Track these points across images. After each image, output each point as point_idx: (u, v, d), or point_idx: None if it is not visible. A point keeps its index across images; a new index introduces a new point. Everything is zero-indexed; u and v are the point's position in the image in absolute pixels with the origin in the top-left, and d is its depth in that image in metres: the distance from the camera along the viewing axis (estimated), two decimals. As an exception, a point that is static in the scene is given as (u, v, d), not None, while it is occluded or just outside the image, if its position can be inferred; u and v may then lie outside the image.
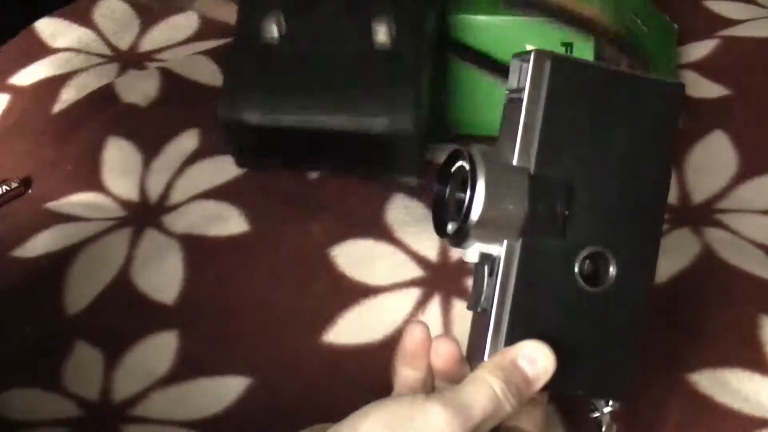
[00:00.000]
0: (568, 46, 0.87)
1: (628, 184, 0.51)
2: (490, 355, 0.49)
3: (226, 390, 0.71)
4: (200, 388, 0.71)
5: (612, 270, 0.50)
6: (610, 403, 0.52)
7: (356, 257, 0.76)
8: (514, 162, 0.48)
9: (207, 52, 0.99)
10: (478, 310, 0.50)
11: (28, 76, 1.00)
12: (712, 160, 0.85)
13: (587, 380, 0.50)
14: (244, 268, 0.77)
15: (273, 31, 0.81)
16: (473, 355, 0.50)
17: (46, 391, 0.72)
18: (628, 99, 0.51)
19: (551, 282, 0.49)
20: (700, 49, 0.95)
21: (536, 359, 0.48)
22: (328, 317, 0.74)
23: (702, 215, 0.80)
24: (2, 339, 0.75)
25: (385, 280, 0.75)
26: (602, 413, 0.52)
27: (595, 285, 0.50)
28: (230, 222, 0.80)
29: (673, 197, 0.82)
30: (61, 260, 0.80)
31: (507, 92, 0.50)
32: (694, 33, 0.96)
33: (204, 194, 0.85)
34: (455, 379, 0.50)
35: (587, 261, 0.50)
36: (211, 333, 0.75)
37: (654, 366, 0.69)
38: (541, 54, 0.49)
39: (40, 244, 0.82)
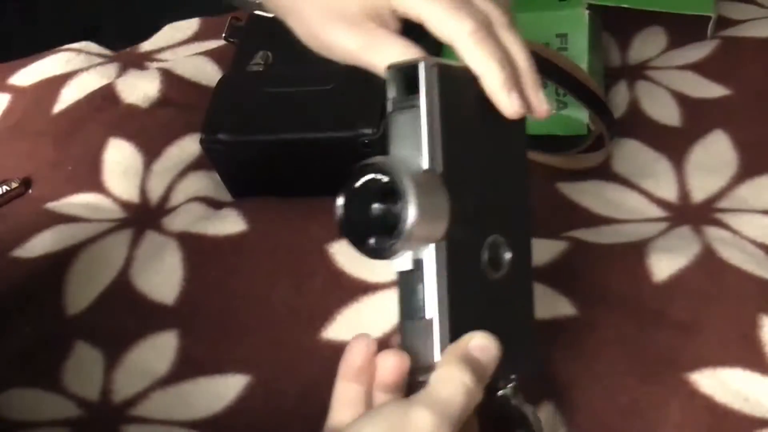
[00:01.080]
0: (563, 36, 0.88)
1: (502, 174, 0.55)
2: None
3: (225, 389, 0.71)
4: (200, 388, 0.72)
5: (507, 254, 0.54)
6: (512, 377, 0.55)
7: (355, 254, 0.76)
8: (425, 166, 0.50)
9: (207, 53, 0.99)
10: (420, 317, 0.50)
11: (28, 76, 1.00)
12: (712, 159, 0.85)
13: (513, 361, 0.53)
14: (243, 266, 0.77)
15: (260, 63, 0.85)
16: (418, 361, 0.51)
17: (46, 391, 0.72)
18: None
19: (470, 275, 0.52)
20: (700, 49, 0.95)
21: (486, 347, 0.50)
22: (326, 314, 0.74)
23: (702, 214, 0.80)
24: (2, 339, 0.75)
25: (384, 277, 0.75)
26: (508, 388, 0.54)
27: (497, 271, 0.54)
28: (228, 221, 0.80)
29: (673, 196, 0.82)
30: (61, 260, 0.80)
31: (389, 103, 0.51)
32: (694, 33, 0.97)
33: (204, 196, 0.85)
34: (396, 389, 0.51)
35: (487, 250, 0.53)
36: (210, 332, 0.75)
37: (654, 366, 0.69)
38: (428, 61, 0.50)
39: (40, 244, 0.82)
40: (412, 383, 0.51)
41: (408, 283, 0.51)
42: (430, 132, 0.50)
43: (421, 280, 0.50)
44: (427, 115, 0.50)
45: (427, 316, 0.50)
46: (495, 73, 0.53)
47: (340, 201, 0.50)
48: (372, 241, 0.50)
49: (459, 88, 0.52)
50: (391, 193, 0.49)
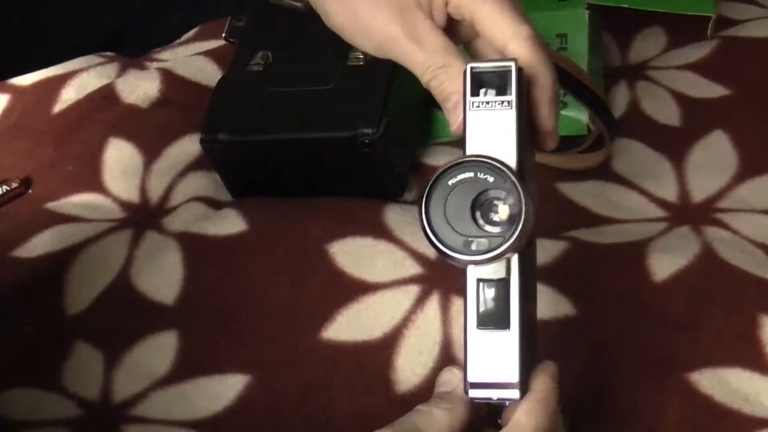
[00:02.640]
0: (563, 36, 0.88)
1: (533, 175, 0.54)
2: (522, 374, 0.49)
3: (225, 389, 0.71)
4: (200, 388, 0.72)
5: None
6: None
7: (355, 254, 0.76)
8: (514, 168, 0.48)
9: (207, 53, 0.99)
10: (501, 328, 0.48)
11: (28, 76, 1.00)
12: (712, 159, 0.85)
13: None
14: (242, 266, 0.77)
15: (260, 63, 0.85)
16: (492, 374, 0.49)
17: (46, 391, 0.72)
18: None
19: (529, 284, 0.52)
20: (700, 49, 0.95)
21: (556, 373, 0.51)
22: (326, 314, 0.74)
23: (702, 214, 0.80)
24: (2, 339, 0.75)
25: (384, 277, 0.75)
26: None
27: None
28: (228, 221, 0.80)
29: (673, 196, 0.82)
30: (61, 260, 0.80)
31: (468, 102, 0.50)
32: (694, 33, 0.97)
33: (204, 196, 0.85)
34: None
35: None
36: (210, 332, 0.75)
37: (654, 366, 0.69)
38: (517, 64, 0.50)
39: (40, 244, 0.82)
40: (473, 396, 0.50)
41: (491, 292, 0.49)
42: (520, 133, 0.49)
43: (508, 289, 0.48)
44: (518, 117, 0.49)
45: (511, 327, 0.48)
46: (550, 81, 0.53)
47: (425, 199, 0.48)
48: (474, 245, 0.47)
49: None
50: (492, 194, 0.47)
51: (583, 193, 0.84)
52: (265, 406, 0.70)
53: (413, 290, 0.74)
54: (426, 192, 0.47)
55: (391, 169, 0.82)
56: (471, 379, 0.49)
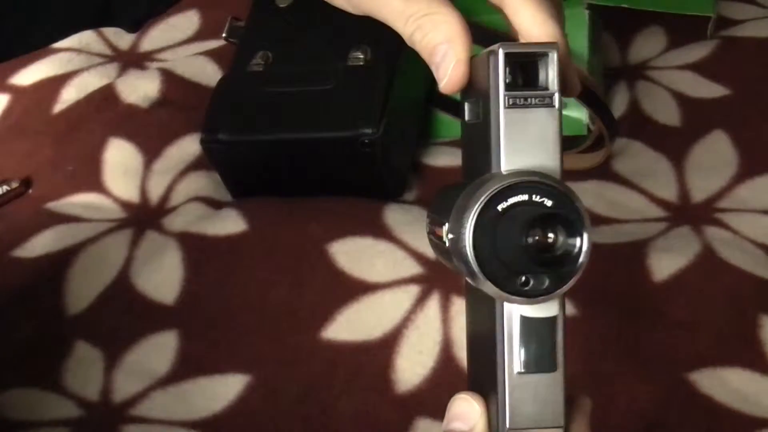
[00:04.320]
0: None
1: None
2: (566, 414, 0.43)
3: (225, 389, 0.71)
4: (200, 388, 0.72)
5: None
6: None
7: (355, 254, 0.76)
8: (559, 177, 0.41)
9: (207, 53, 0.99)
10: (546, 370, 0.42)
11: (28, 76, 1.00)
12: (712, 159, 0.85)
13: None
14: (242, 266, 0.77)
15: (260, 63, 0.85)
16: (534, 419, 0.42)
17: (46, 391, 0.72)
18: None
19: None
20: (700, 49, 0.95)
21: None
22: (326, 314, 0.74)
23: (702, 214, 0.80)
24: (2, 339, 0.75)
25: (384, 277, 0.75)
26: None
27: None
28: (228, 221, 0.80)
29: (673, 196, 0.82)
30: (61, 260, 0.80)
31: (497, 93, 0.41)
32: (694, 33, 0.97)
33: (204, 196, 0.85)
34: None
35: None
36: (210, 332, 0.75)
37: (654, 366, 0.69)
38: (557, 49, 0.41)
39: (40, 244, 0.82)
40: None
41: (539, 332, 0.41)
42: (560, 136, 0.41)
43: (556, 327, 0.41)
44: (559, 116, 0.41)
45: (558, 369, 0.42)
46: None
47: (471, 226, 0.39)
48: (524, 279, 0.40)
49: None
50: (548, 220, 0.39)
51: (583, 193, 0.83)
52: (265, 406, 0.70)
53: (413, 290, 0.74)
54: (474, 219, 0.39)
55: (391, 169, 0.82)
56: (511, 425, 0.42)
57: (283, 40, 0.87)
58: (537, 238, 0.39)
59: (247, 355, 0.73)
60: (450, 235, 0.41)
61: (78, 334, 0.76)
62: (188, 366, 0.73)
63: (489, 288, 0.40)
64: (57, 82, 0.98)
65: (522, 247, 0.39)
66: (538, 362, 0.41)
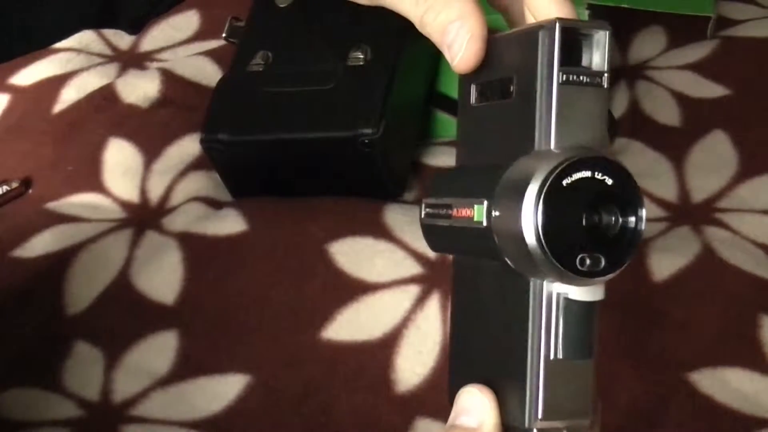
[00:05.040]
0: None
1: None
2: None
3: (225, 389, 0.71)
4: (200, 388, 0.72)
5: None
6: None
7: (355, 254, 0.76)
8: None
9: (207, 53, 0.99)
10: (583, 357, 0.40)
11: (28, 76, 1.00)
12: (712, 159, 0.85)
13: None
14: (242, 266, 0.77)
15: (260, 63, 0.85)
16: (572, 409, 0.40)
17: (46, 391, 0.72)
18: None
19: None
20: (700, 49, 0.95)
21: None
22: (326, 314, 0.74)
23: (702, 214, 0.80)
24: (2, 339, 0.75)
25: (384, 277, 0.75)
26: None
27: None
28: (228, 221, 0.80)
29: (673, 196, 0.82)
30: (61, 260, 0.80)
31: (548, 69, 0.39)
32: (694, 33, 0.97)
33: (204, 196, 0.85)
34: None
35: None
36: (210, 332, 0.75)
37: (654, 366, 0.69)
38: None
39: (40, 244, 0.82)
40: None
41: (580, 316, 0.39)
42: (606, 118, 0.40)
43: (596, 313, 0.40)
44: (607, 97, 0.40)
45: (593, 356, 0.40)
46: None
47: (538, 202, 0.38)
48: (582, 257, 0.38)
49: None
50: (611, 198, 0.38)
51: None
52: (265, 406, 0.70)
53: (413, 290, 0.74)
54: (537, 193, 0.38)
55: (391, 169, 0.82)
56: (544, 416, 0.40)
57: (283, 40, 0.87)
58: (598, 216, 0.38)
59: (247, 355, 0.73)
60: (496, 213, 0.39)
61: (78, 334, 0.76)
62: (188, 366, 0.73)
63: (546, 266, 0.38)
64: (57, 82, 0.98)
65: (583, 225, 0.38)
66: (576, 348, 0.39)
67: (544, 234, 0.38)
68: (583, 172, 0.38)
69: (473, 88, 0.44)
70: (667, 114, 0.89)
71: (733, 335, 0.70)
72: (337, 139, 0.79)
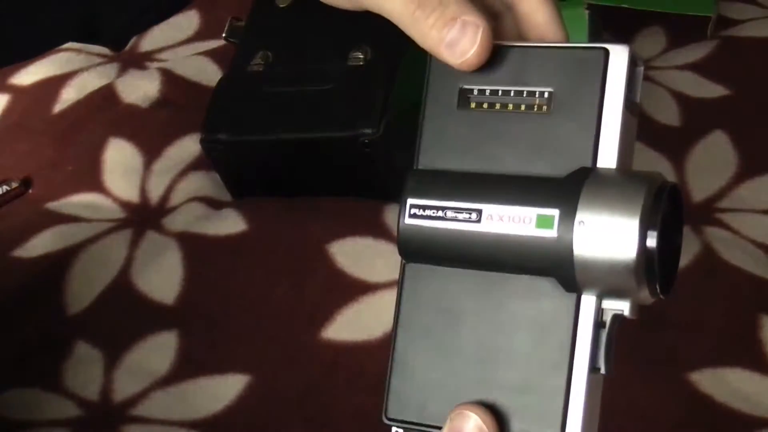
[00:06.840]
0: None
1: None
2: None
3: (225, 389, 0.71)
4: (200, 388, 0.72)
5: None
6: None
7: (355, 254, 0.76)
8: None
9: (207, 53, 0.99)
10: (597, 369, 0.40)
11: (28, 76, 1.00)
12: (712, 159, 0.85)
13: None
14: (242, 266, 0.77)
15: (260, 63, 0.85)
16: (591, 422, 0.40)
17: (46, 391, 0.72)
18: None
19: None
20: (700, 49, 0.95)
21: None
22: (326, 314, 0.74)
23: (702, 214, 0.80)
24: (2, 339, 0.75)
25: (384, 277, 0.75)
26: None
27: None
28: (228, 221, 0.80)
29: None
30: (61, 260, 0.80)
31: (626, 95, 0.41)
32: (694, 33, 0.97)
33: (204, 196, 0.85)
34: None
35: None
36: (210, 332, 0.75)
37: (654, 366, 0.69)
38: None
39: (40, 244, 0.82)
40: None
41: (614, 330, 0.40)
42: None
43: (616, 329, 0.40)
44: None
45: (604, 371, 0.39)
46: None
47: (655, 222, 0.38)
48: (671, 277, 0.39)
49: None
50: (679, 221, 0.40)
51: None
52: (265, 406, 0.70)
53: (413, 290, 0.74)
54: (658, 213, 0.38)
55: (391, 169, 0.82)
56: (582, 430, 0.39)
57: (283, 40, 0.87)
58: (678, 237, 0.39)
59: (247, 355, 0.73)
60: (580, 223, 0.38)
61: (78, 334, 0.76)
62: (188, 366, 0.73)
63: (638, 285, 0.38)
64: (57, 82, 0.98)
65: (671, 248, 0.39)
66: (612, 362, 0.39)
67: (653, 255, 0.37)
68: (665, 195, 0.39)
69: (458, 92, 0.43)
70: (667, 114, 0.89)
71: (733, 335, 0.70)
72: (337, 139, 0.79)
